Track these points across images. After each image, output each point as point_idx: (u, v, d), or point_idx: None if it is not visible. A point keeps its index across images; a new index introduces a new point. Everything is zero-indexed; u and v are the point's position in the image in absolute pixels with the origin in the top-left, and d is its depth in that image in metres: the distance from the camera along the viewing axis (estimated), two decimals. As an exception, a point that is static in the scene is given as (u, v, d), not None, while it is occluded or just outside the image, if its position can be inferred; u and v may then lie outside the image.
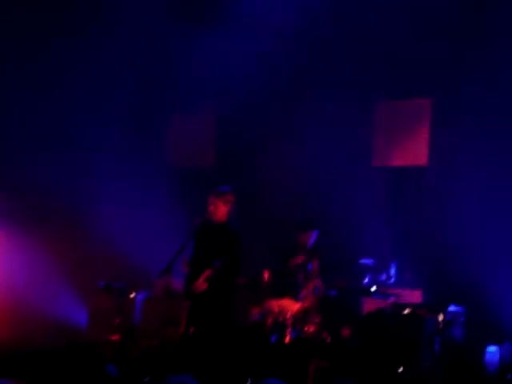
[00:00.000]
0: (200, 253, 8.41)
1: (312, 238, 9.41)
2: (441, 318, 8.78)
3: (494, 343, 8.97)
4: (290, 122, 10.92)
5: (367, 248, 9.71)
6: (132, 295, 10.44)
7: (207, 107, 11.65)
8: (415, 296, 9.76)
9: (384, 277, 9.46)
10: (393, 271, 9.55)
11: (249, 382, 8.04)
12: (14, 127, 11.65)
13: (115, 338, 9.73)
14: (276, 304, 9.03)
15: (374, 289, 9.16)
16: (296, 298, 9.11)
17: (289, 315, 8.92)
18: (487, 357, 8.89)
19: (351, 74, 10.43)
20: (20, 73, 11.45)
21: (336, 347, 8.81)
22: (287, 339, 8.86)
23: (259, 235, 10.01)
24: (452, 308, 9.07)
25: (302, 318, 9.00)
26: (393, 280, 9.54)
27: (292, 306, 8.99)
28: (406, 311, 8.91)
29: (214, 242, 8.30)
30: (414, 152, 10.33)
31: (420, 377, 8.43)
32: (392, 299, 9.13)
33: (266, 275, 9.16)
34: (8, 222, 11.37)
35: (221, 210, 8.32)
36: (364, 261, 9.40)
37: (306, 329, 8.96)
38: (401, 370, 8.40)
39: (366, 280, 9.29)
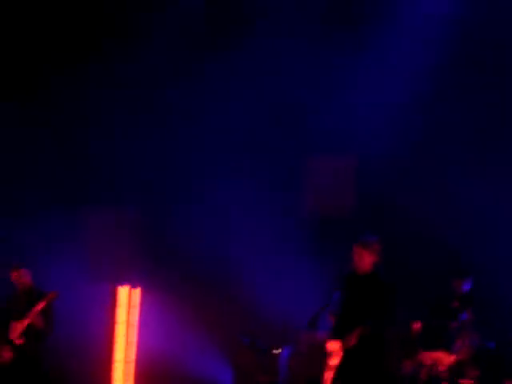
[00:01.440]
0: (347, 305, 8.04)
1: (466, 285, 8.94)
2: None
3: None
4: (433, 168, 10.51)
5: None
6: (276, 351, 10.20)
7: (346, 153, 11.36)
8: None
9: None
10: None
11: None
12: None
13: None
14: (429, 356, 8.64)
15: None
16: (450, 350, 8.64)
17: (443, 368, 8.50)
18: None
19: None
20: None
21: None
22: (442, 393, 8.44)
23: (408, 285, 9.59)
24: None
25: (457, 371, 8.54)
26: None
27: (446, 359, 8.59)
28: None
29: (362, 293, 7.91)
30: None
31: None
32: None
33: (417, 326, 8.76)
34: (147, 280, 11.40)
35: (366, 260, 7.92)
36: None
37: (462, 382, 8.50)
38: None
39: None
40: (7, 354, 9.28)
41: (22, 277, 9.57)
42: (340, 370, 7.85)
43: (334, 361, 7.90)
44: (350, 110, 10.82)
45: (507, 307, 8.95)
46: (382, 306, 7.81)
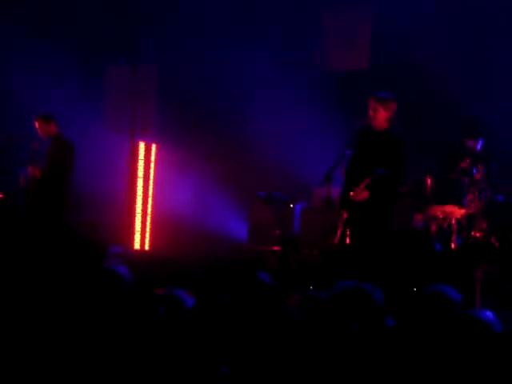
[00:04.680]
0: (359, 160, 8.01)
1: (479, 143, 9.02)
2: None
3: None
4: (459, 26, 10.31)
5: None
6: (292, 205, 10.37)
7: (363, 8, 11.15)
8: None
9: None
10: None
11: (414, 290, 7.90)
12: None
13: (276, 248, 9.73)
14: (440, 210, 8.77)
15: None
16: (461, 204, 8.80)
17: (453, 221, 8.67)
18: None
19: None
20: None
21: (505, 252, 8.50)
22: (452, 245, 8.63)
23: (422, 142, 9.63)
24: None
25: (467, 223, 8.73)
26: None
27: (456, 212, 8.72)
28: None
29: (375, 149, 7.86)
30: None
31: None
32: None
33: (429, 181, 8.88)
34: (168, 136, 11.51)
35: (381, 116, 7.83)
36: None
37: (472, 234, 8.70)
38: None
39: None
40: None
41: (39, 128, 9.69)
42: (348, 223, 7.88)
43: (345, 215, 7.99)
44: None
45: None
46: (392, 162, 7.74)
